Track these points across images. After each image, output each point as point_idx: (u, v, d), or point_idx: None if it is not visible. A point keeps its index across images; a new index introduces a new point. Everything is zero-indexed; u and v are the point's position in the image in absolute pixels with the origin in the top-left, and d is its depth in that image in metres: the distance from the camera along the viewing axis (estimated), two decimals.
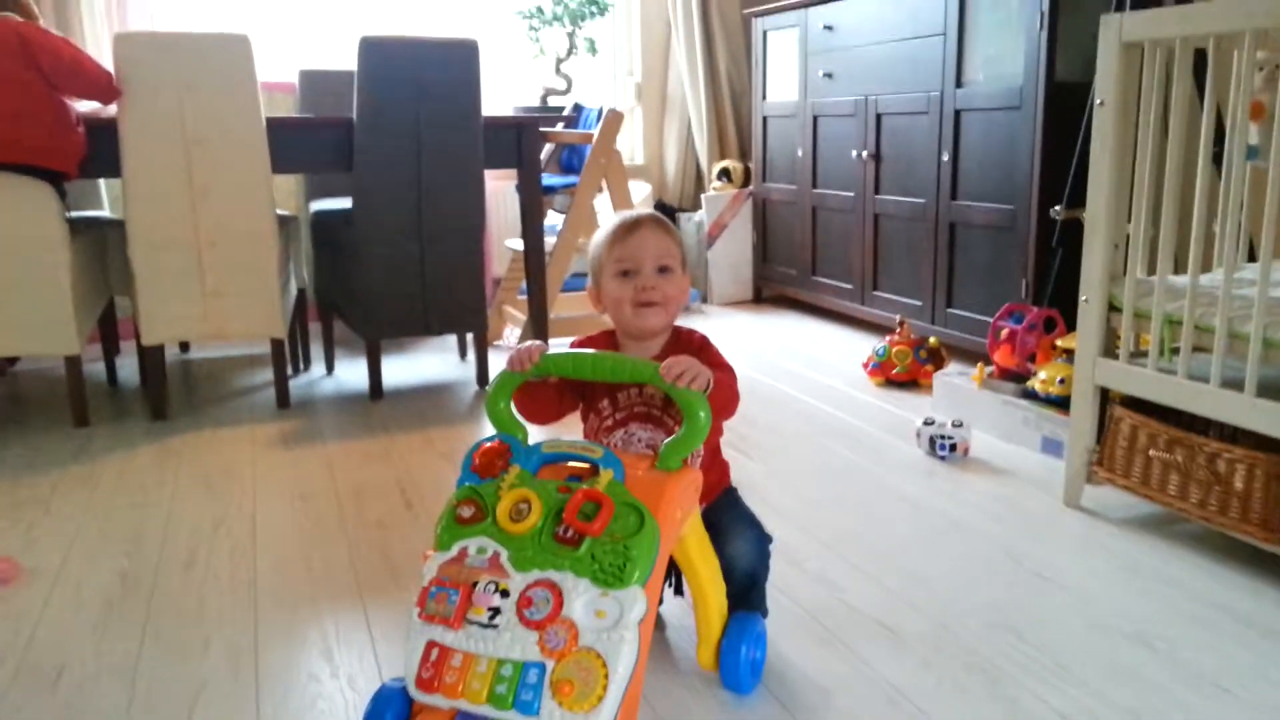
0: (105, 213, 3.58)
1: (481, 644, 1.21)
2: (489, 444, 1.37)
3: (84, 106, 2.85)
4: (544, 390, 1.52)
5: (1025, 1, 3.03)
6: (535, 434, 1.41)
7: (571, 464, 1.35)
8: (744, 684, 1.50)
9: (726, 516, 1.59)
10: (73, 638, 1.71)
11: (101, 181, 3.63)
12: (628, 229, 1.55)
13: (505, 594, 1.23)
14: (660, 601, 1.33)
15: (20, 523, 2.21)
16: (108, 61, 2.81)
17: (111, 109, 2.82)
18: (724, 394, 1.44)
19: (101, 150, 2.81)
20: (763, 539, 1.61)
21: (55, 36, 2.71)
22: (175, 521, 2.22)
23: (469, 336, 3.74)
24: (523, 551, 1.25)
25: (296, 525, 2.20)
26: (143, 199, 2.82)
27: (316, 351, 3.72)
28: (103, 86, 2.73)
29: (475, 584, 1.24)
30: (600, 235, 1.60)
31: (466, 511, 1.30)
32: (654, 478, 1.32)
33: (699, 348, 1.57)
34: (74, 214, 3.00)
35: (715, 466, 1.64)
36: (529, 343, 1.45)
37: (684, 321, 1.63)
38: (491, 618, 1.22)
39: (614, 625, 1.19)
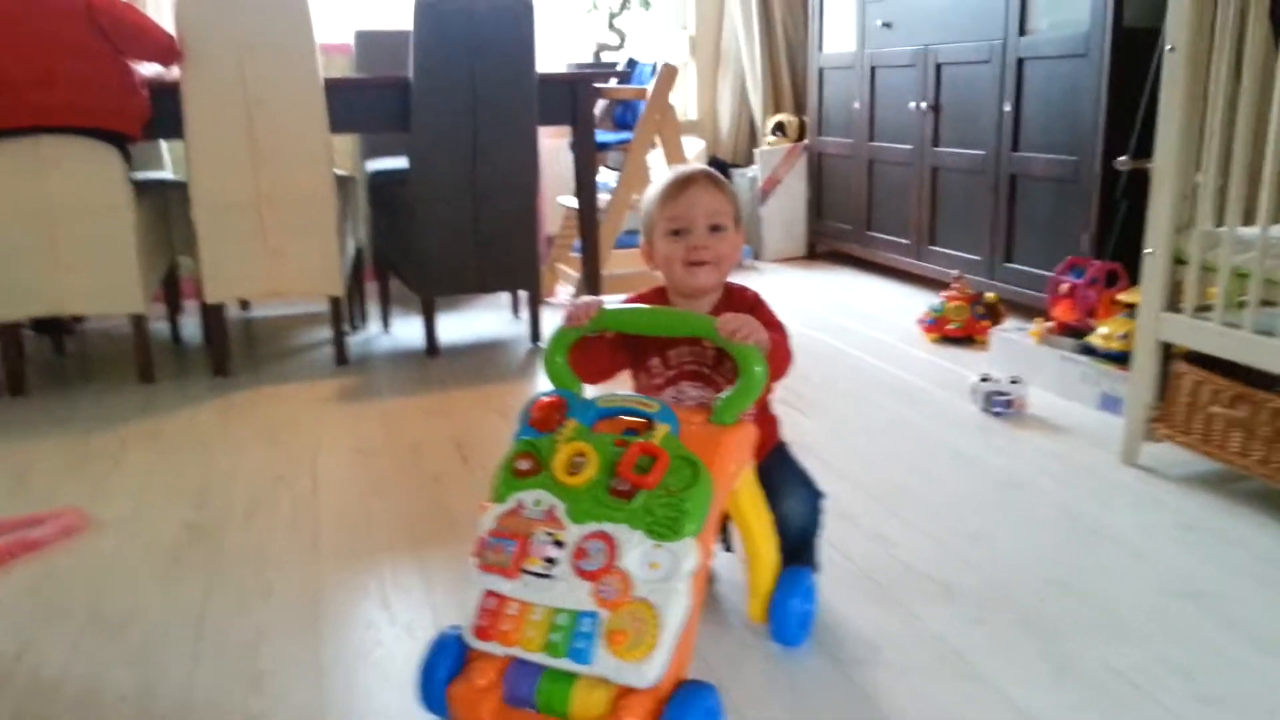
0: (168, 174, 3.64)
1: (537, 593, 1.23)
2: (546, 398, 1.39)
3: (147, 69, 2.90)
4: (599, 346, 1.53)
5: None
6: (591, 389, 1.43)
7: (627, 418, 1.36)
8: (793, 637, 1.51)
9: (779, 474, 1.59)
10: (141, 586, 1.77)
11: (163, 143, 3.69)
12: (679, 186, 1.54)
13: (560, 545, 1.25)
14: (712, 555, 1.34)
15: (91, 475, 2.29)
16: (169, 24, 2.84)
17: (174, 71, 2.86)
18: (778, 353, 1.44)
19: (164, 112, 2.85)
20: (815, 496, 1.61)
21: (119, 1, 2.75)
22: (238, 474, 2.28)
23: (522, 294, 3.76)
24: (578, 504, 1.27)
25: (356, 478, 2.25)
26: (205, 160, 2.87)
27: (373, 310, 3.77)
28: (165, 49, 2.77)
29: (531, 535, 1.26)
30: (652, 192, 1.58)
31: (524, 464, 1.32)
32: (709, 431, 1.32)
33: (752, 306, 1.56)
34: (138, 175, 3.06)
35: (765, 423, 1.63)
36: (586, 297, 1.46)
37: (736, 278, 1.62)
38: (547, 568, 1.24)
39: (667, 577, 1.20)
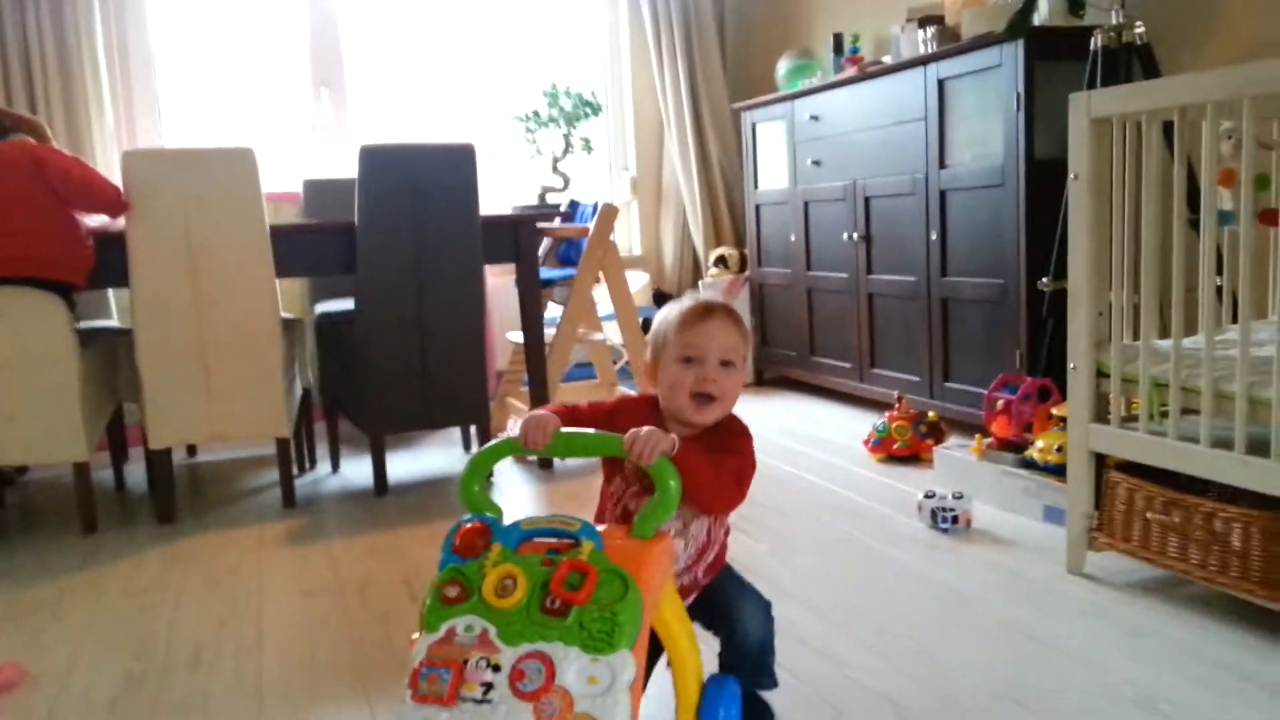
0: (113, 322, 3.65)
1: None
2: (468, 525, 1.39)
3: (94, 220, 2.94)
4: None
5: (1001, 84, 3.13)
6: (509, 514, 1.42)
7: (549, 539, 1.36)
8: None
9: (729, 591, 1.60)
10: None
11: (110, 291, 3.71)
12: (699, 315, 1.55)
13: (497, 669, 1.24)
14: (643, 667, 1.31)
15: (27, 629, 2.22)
16: (117, 178, 2.91)
17: (120, 222, 2.91)
18: (700, 470, 1.43)
19: (110, 261, 2.89)
20: (766, 605, 1.62)
21: (66, 156, 2.81)
22: (181, 622, 2.23)
23: (473, 429, 3.78)
24: (511, 626, 1.26)
25: (302, 621, 2.21)
26: (150, 307, 2.90)
27: (322, 451, 3.75)
28: (112, 202, 2.82)
29: (466, 661, 1.25)
30: (670, 314, 1.59)
31: (452, 591, 1.31)
32: (632, 545, 1.34)
33: (736, 434, 1.56)
34: (83, 324, 3.07)
35: (728, 538, 1.64)
36: (541, 413, 1.45)
37: None
38: (485, 693, 1.22)
39: (607, 690, 1.20)
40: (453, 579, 1.33)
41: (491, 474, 3.35)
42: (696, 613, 1.61)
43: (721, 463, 1.49)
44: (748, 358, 1.61)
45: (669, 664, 1.48)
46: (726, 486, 1.50)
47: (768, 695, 1.67)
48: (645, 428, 1.38)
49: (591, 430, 1.46)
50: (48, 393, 2.80)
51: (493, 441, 1.49)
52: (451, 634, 1.28)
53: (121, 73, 4.21)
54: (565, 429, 1.45)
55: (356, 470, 3.55)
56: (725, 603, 1.57)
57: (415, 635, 1.31)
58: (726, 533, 1.63)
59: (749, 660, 1.57)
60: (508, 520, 1.40)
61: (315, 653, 2.04)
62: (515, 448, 1.44)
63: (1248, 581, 1.84)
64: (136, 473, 3.54)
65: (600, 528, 1.37)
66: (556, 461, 3.43)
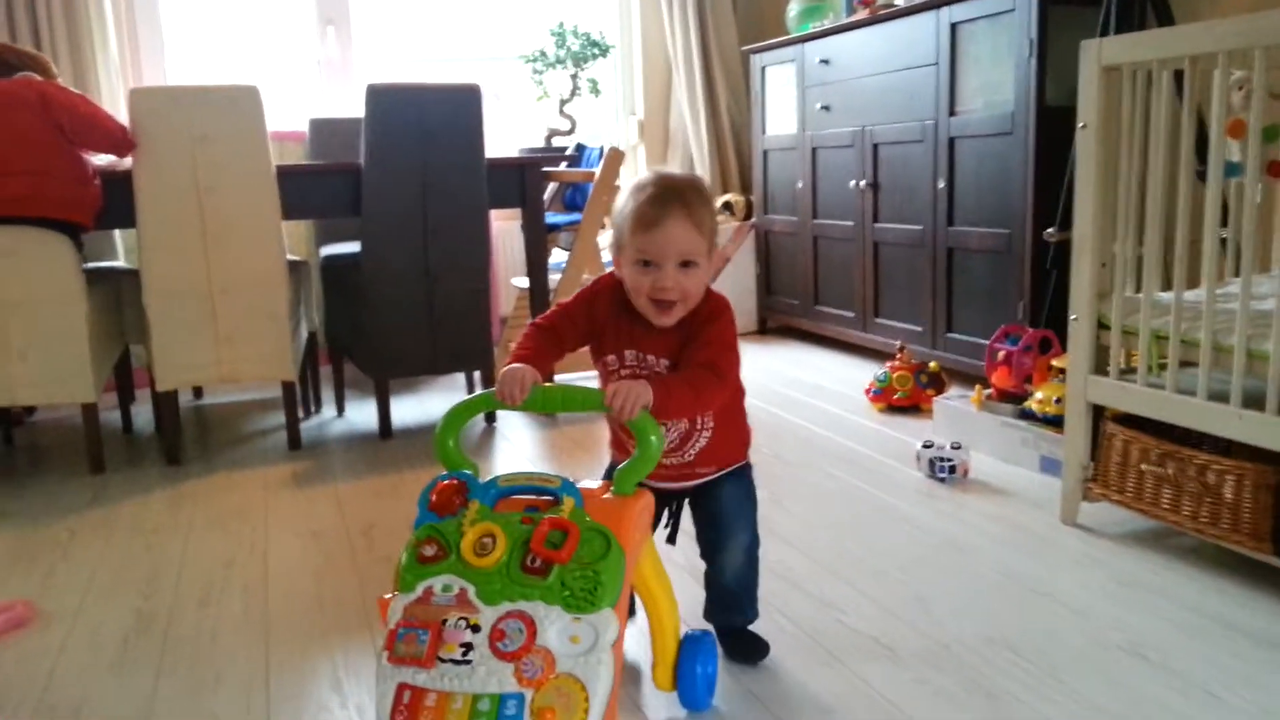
0: (120, 263, 3.66)
1: (456, 681, 1.21)
2: (445, 482, 1.38)
3: (100, 160, 2.94)
4: (553, 350, 1.54)
5: (1014, 30, 3.09)
6: (487, 469, 1.44)
7: (527, 496, 1.36)
8: (702, 702, 1.53)
9: (733, 510, 1.64)
10: (90, 677, 1.75)
11: (116, 232, 3.72)
12: (656, 213, 1.45)
13: (476, 629, 1.23)
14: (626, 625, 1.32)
15: (39, 568, 2.27)
16: (123, 116, 2.89)
17: (127, 162, 2.91)
18: (680, 400, 1.43)
19: (117, 202, 2.89)
20: (754, 544, 1.66)
21: (73, 93, 2.80)
22: (189, 562, 2.27)
23: (477, 374, 3.80)
24: (490, 585, 1.26)
25: (308, 562, 2.25)
26: (157, 248, 2.90)
27: (327, 394, 3.78)
28: (118, 140, 2.82)
29: (444, 621, 1.24)
30: (627, 206, 1.49)
31: (429, 550, 1.31)
32: (613, 503, 1.35)
33: (705, 320, 1.52)
34: (90, 265, 3.08)
35: (730, 430, 1.63)
36: (518, 366, 1.43)
37: None
38: (464, 654, 1.22)
39: (590, 649, 1.20)
40: (429, 537, 1.32)
41: (495, 418, 3.39)
42: (694, 505, 1.66)
43: (697, 368, 1.46)
44: (714, 242, 1.52)
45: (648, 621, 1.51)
46: (709, 398, 1.49)
47: (764, 633, 1.72)
48: (624, 383, 1.37)
49: (570, 385, 1.45)
50: (56, 333, 2.82)
51: (470, 396, 1.48)
52: (429, 594, 1.28)
53: (125, 8, 4.18)
54: (543, 385, 1.44)
55: (361, 414, 3.58)
56: (716, 522, 1.62)
57: (388, 595, 1.31)
58: (729, 419, 1.62)
59: (722, 594, 1.65)
60: (485, 476, 1.40)
61: (322, 593, 2.08)
62: (492, 403, 1.43)
63: (1238, 533, 1.86)
64: (144, 414, 3.57)
65: (581, 484, 1.36)
66: None
